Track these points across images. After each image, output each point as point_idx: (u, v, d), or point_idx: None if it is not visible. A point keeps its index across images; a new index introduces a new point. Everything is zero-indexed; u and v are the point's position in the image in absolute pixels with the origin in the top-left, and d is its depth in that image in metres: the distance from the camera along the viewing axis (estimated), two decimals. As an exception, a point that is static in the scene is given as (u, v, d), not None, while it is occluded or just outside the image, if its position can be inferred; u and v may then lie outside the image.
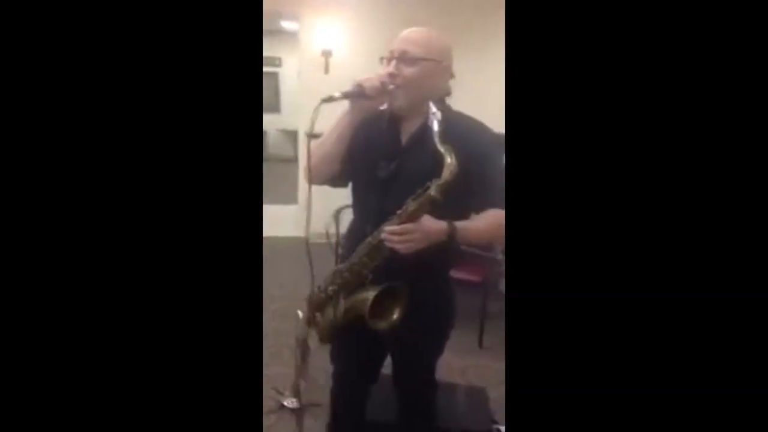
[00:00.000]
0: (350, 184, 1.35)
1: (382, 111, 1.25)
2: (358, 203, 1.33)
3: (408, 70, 1.19)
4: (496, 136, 1.22)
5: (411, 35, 1.22)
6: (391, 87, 1.19)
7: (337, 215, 2.82)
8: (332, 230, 2.87)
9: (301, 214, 4.12)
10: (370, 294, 1.18)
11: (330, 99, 1.16)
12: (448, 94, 1.28)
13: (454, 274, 1.42)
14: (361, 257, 1.19)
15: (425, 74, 1.20)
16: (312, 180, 1.27)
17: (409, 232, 1.08)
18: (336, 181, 1.32)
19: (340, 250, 1.45)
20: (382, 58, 1.24)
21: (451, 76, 1.26)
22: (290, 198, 5.11)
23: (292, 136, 7.57)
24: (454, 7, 4.55)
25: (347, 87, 1.20)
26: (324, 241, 3.65)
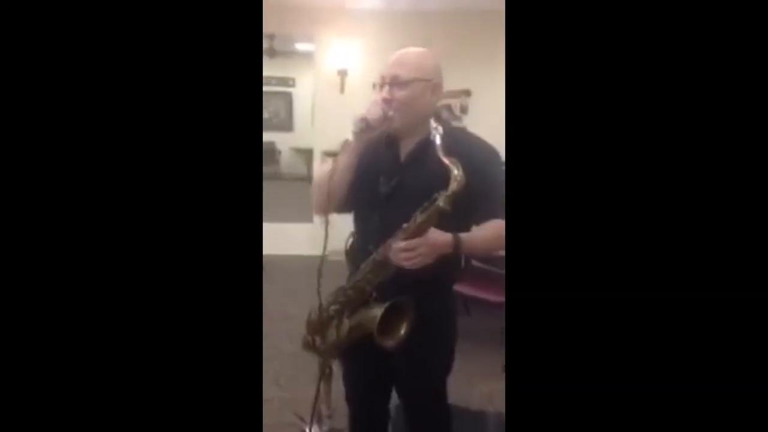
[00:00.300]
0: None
1: (381, 133, 1.28)
2: (360, 222, 1.35)
3: (400, 93, 1.23)
4: (496, 150, 1.27)
5: (400, 58, 1.27)
6: (390, 113, 1.23)
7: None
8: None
9: (316, 233, 4.11)
10: (377, 311, 1.17)
11: (346, 145, 1.24)
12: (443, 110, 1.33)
13: (475, 293, 1.39)
14: (366, 274, 1.20)
15: (417, 94, 1.24)
16: (324, 212, 1.27)
17: (417, 247, 1.10)
18: (343, 208, 1.34)
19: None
20: (374, 84, 1.29)
21: (442, 92, 1.31)
22: (305, 217, 5.11)
23: (305, 155, 7.65)
24: (466, 24, 4.58)
25: (357, 117, 1.24)
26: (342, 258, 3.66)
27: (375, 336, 1.16)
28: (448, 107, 5.19)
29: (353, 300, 1.22)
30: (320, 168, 1.33)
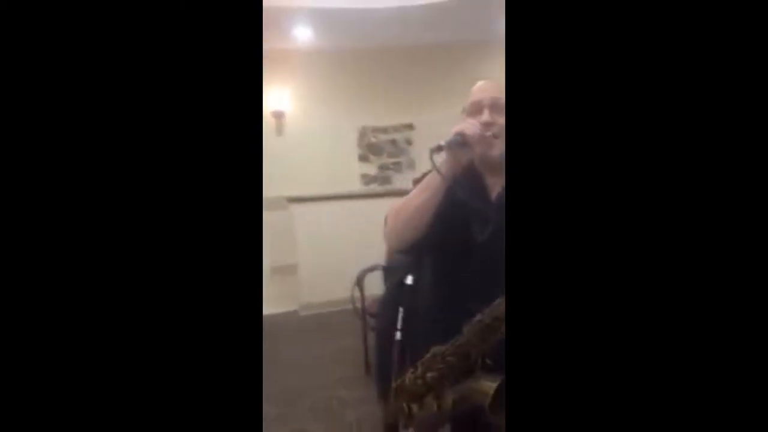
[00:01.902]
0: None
1: (470, 165, 1.12)
2: (443, 273, 1.14)
3: (502, 120, 1.10)
4: None
5: (495, 85, 1.15)
6: (488, 134, 1.07)
7: (361, 279, 2.55)
8: (357, 294, 2.59)
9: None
10: (489, 384, 1.02)
11: (439, 149, 1.02)
12: None
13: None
14: (470, 338, 1.02)
15: None
16: (393, 247, 1.11)
17: None
18: (414, 247, 1.14)
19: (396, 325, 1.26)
20: (464, 109, 1.15)
21: None
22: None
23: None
24: (407, 60, 4.62)
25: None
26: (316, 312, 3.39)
27: (487, 412, 1.00)
28: (393, 141, 5.20)
29: (455, 367, 1.04)
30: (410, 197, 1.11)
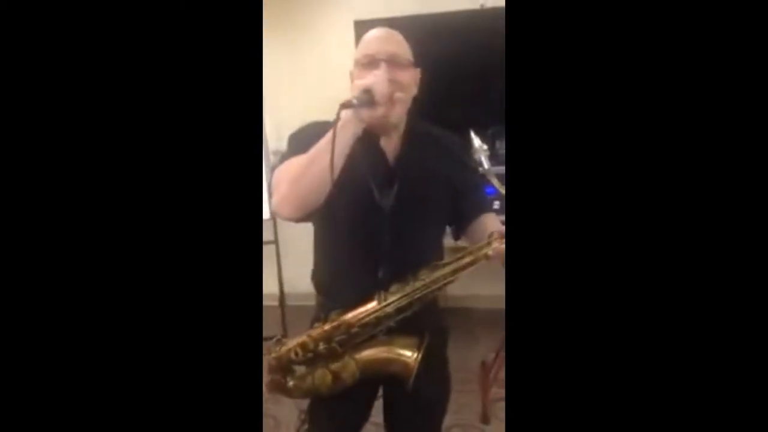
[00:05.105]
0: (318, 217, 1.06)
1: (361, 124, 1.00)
2: (352, 241, 1.04)
3: (403, 76, 1.00)
4: (458, 137, 1.14)
5: (391, 36, 1.04)
6: (398, 94, 0.97)
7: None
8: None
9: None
10: (409, 353, 0.99)
11: (349, 105, 0.91)
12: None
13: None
14: (398, 301, 0.96)
15: (412, 82, 1.04)
16: (293, 214, 0.98)
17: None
18: (311, 216, 1.02)
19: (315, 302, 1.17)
20: (357, 62, 1.03)
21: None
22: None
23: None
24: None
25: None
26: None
27: (411, 381, 0.97)
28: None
29: (357, 336, 0.98)
30: (293, 159, 1.01)
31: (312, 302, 1.13)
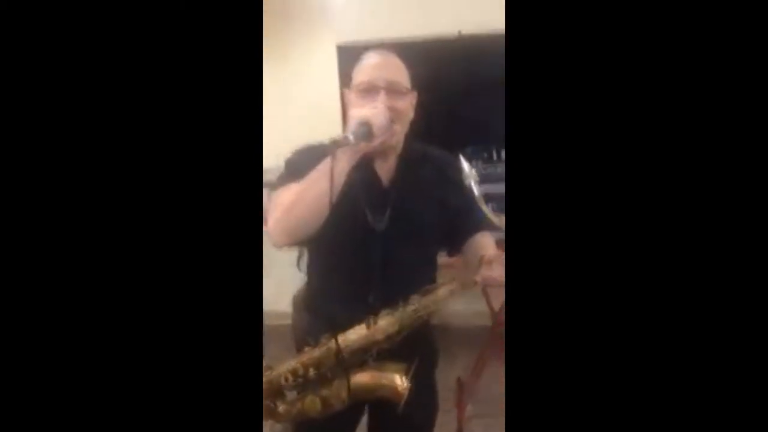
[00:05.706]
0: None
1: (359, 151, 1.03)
2: (344, 264, 1.07)
3: (401, 104, 1.03)
4: (453, 157, 1.12)
5: (392, 62, 1.06)
6: (396, 127, 1.01)
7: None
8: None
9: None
10: (399, 380, 1.00)
11: (345, 143, 0.93)
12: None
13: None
14: (374, 334, 0.98)
15: (410, 108, 1.07)
16: (285, 241, 1.01)
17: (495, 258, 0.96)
18: (306, 242, 1.06)
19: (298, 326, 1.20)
20: (354, 88, 1.04)
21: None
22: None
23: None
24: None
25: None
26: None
27: (401, 405, 0.99)
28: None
29: (348, 361, 0.99)
30: (288, 188, 1.03)
31: (288, 321, 1.14)
